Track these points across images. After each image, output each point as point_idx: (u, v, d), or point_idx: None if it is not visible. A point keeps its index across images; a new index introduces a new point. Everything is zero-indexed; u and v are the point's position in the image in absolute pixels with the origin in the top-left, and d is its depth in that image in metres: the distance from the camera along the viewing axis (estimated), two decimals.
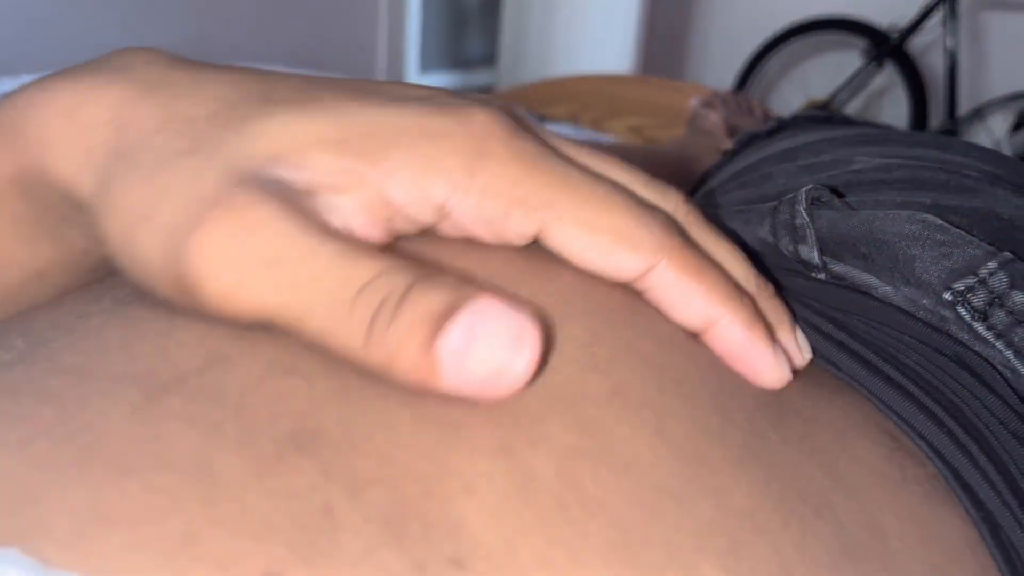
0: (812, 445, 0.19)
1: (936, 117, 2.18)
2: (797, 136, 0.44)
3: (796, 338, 0.21)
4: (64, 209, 0.18)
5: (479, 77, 2.54)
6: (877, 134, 0.40)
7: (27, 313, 0.18)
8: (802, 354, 0.21)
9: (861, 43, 2.20)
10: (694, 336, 0.19)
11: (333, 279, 0.15)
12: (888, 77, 2.21)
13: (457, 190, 0.17)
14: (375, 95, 0.18)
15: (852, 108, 2.28)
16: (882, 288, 0.26)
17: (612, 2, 2.28)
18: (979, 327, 0.24)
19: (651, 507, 0.14)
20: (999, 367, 0.24)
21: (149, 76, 0.17)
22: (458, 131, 0.17)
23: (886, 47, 2.13)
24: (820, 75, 2.31)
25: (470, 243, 0.19)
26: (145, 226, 0.16)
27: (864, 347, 0.24)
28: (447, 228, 0.18)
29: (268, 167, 0.16)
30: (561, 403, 0.16)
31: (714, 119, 0.73)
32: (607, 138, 0.99)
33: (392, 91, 0.18)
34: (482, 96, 0.20)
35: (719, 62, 2.62)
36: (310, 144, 0.16)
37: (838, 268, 0.27)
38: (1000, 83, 2.11)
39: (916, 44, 2.14)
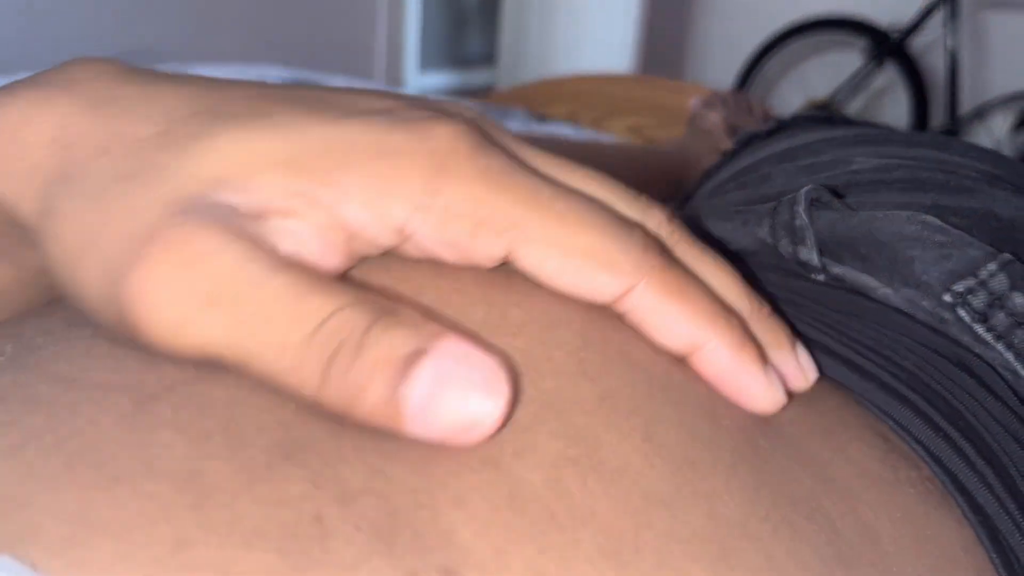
0: (803, 449, 0.19)
1: (937, 117, 2.18)
2: (796, 136, 0.44)
3: (797, 358, 0.20)
4: (15, 228, 0.17)
5: (478, 76, 2.54)
6: (876, 134, 0.40)
7: (16, 319, 0.18)
8: (804, 375, 0.20)
9: (861, 43, 2.20)
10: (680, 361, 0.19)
11: (284, 316, 0.14)
12: (889, 77, 2.21)
13: (417, 211, 0.16)
14: (333, 108, 0.17)
15: (852, 108, 2.28)
16: (881, 290, 0.26)
17: (612, 2, 2.28)
18: (979, 329, 0.24)
19: (641, 514, 0.14)
20: (999, 369, 0.24)
21: (98, 91, 0.17)
22: (418, 148, 0.16)
23: (887, 47, 2.13)
24: (820, 75, 2.31)
25: None
26: (85, 258, 0.15)
27: (860, 349, 0.24)
28: (410, 250, 0.17)
29: (213, 191, 0.15)
30: (549, 410, 0.15)
31: (714, 119, 0.73)
32: (607, 137, 0.99)
33: (352, 103, 0.17)
34: (451, 106, 0.19)
35: (719, 62, 2.62)
36: (256, 165, 0.15)
37: (837, 270, 0.27)
38: (1001, 83, 2.11)
39: (917, 44, 2.14)
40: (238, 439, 0.13)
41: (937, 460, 0.21)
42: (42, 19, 1.45)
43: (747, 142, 0.52)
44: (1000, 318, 0.24)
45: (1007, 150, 2.00)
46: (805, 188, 0.28)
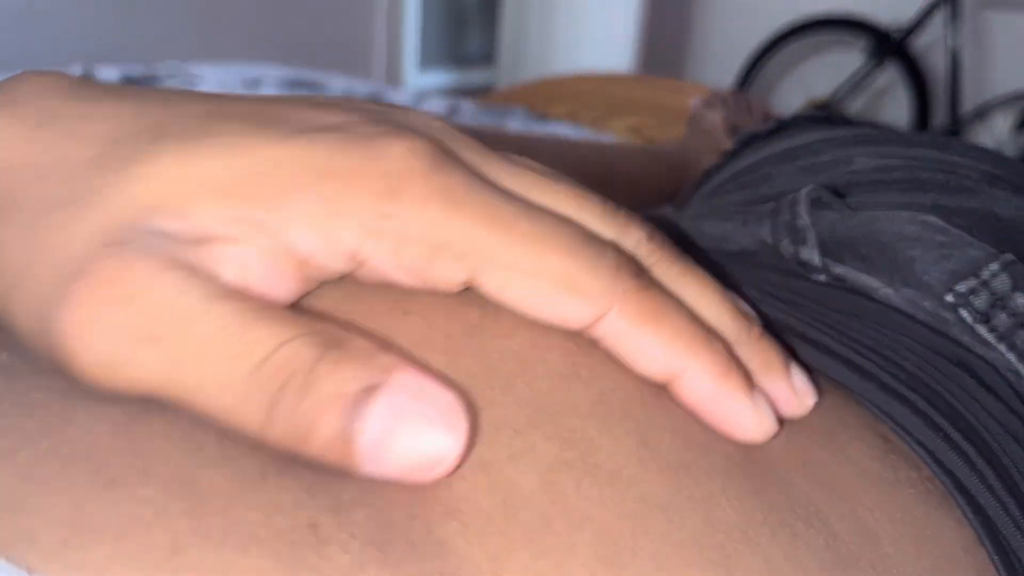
0: (801, 450, 0.19)
1: (938, 117, 2.18)
2: (797, 136, 0.44)
3: (790, 383, 0.19)
4: None
5: (478, 76, 2.54)
6: (876, 135, 0.39)
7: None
8: (799, 400, 0.19)
9: (862, 42, 2.20)
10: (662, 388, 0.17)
11: (225, 351, 0.13)
12: (889, 77, 2.21)
13: (369, 236, 0.15)
14: (284, 125, 0.16)
15: (853, 108, 2.28)
16: (882, 290, 0.26)
17: (612, 2, 2.28)
18: (981, 329, 0.24)
19: (638, 519, 0.14)
20: (1000, 370, 0.24)
21: (42, 110, 0.16)
22: (370, 168, 0.15)
23: (887, 46, 2.13)
24: (820, 75, 2.30)
25: None
26: (16, 291, 0.14)
27: (860, 349, 0.24)
28: (366, 275, 0.16)
29: (148, 218, 0.14)
30: (543, 413, 0.15)
31: (714, 119, 0.72)
32: (607, 137, 0.99)
33: (306, 119, 0.16)
34: (415, 118, 0.18)
35: (719, 62, 2.62)
36: (194, 189, 0.14)
37: (839, 270, 0.27)
38: (1002, 83, 2.11)
39: (918, 43, 2.14)
40: (231, 450, 0.13)
41: (937, 460, 0.21)
42: (42, 19, 1.45)
43: (747, 142, 0.52)
44: (1002, 319, 0.24)
45: (1008, 150, 2.00)
46: (806, 188, 0.28)
